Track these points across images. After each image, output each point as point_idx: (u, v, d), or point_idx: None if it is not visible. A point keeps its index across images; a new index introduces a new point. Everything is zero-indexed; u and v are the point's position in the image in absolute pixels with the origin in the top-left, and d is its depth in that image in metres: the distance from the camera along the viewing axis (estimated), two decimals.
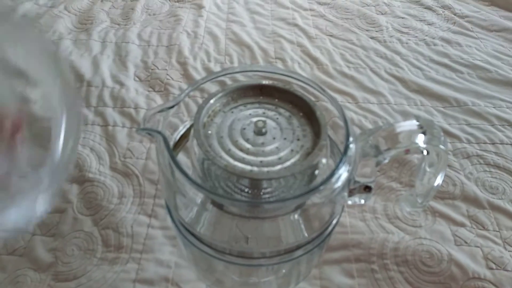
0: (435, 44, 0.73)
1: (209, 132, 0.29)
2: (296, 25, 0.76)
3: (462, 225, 0.45)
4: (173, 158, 0.27)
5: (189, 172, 0.32)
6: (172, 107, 0.30)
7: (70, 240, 0.42)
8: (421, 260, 0.41)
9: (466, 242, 0.43)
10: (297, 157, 0.28)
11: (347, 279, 0.40)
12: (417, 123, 0.30)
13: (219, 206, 0.29)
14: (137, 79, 0.62)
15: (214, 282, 0.39)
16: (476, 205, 0.46)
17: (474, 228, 0.44)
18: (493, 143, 0.54)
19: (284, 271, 0.36)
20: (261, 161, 0.27)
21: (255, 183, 0.30)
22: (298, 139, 0.29)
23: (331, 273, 0.41)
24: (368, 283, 0.40)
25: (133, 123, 0.55)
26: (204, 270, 0.38)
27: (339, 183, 0.28)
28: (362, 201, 0.33)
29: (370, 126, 0.56)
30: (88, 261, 0.40)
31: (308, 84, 0.32)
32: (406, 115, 0.58)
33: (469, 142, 0.54)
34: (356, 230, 0.44)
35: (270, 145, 0.28)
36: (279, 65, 0.67)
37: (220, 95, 0.31)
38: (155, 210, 0.45)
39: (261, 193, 0.30)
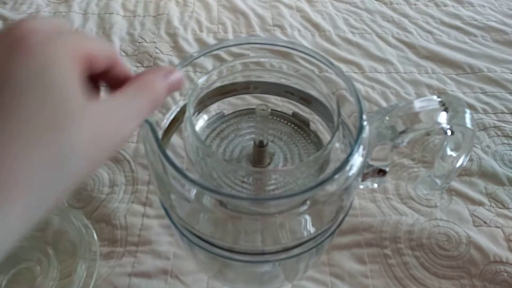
0: (445, 5, 0.68)
1: None
2: None
3: (480, 204, 0.42)
4: (164, 154, 0.23)
5: (183, 158, 0.29)
6: None
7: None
8: (437, 243, 0.38)
9: (485, 223, 0.40)
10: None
11: (358, 265, 0.38)
12: (439, 99, 0.27)
13: (219, 202, 0.26)
14: (123, 53, 0.57)
15: (216, 273, 0.36)
16: (494, 181, 0.43)
17: (493, 207, 0.41)
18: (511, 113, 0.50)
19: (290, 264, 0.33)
20: None
21: (257, 175, 0.27)
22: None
23: (341, 259, 0.38)
24: (381, 269, 0.37)
25: None
26: (204, 264, 0.35)
27: (354, 170, 0.24)
28: (375, 185, 0.30)
29: (378, 97, 0.52)
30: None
31: (313, 57, 0.29)
32: (417, 85, 0.54)
33: (485, 112, 0.50)
34: (367, 212, 0.41)
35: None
36: (278, 33, 0.62)
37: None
38: (150, 197, 0.42)
39: (265, 186, 0.27)
